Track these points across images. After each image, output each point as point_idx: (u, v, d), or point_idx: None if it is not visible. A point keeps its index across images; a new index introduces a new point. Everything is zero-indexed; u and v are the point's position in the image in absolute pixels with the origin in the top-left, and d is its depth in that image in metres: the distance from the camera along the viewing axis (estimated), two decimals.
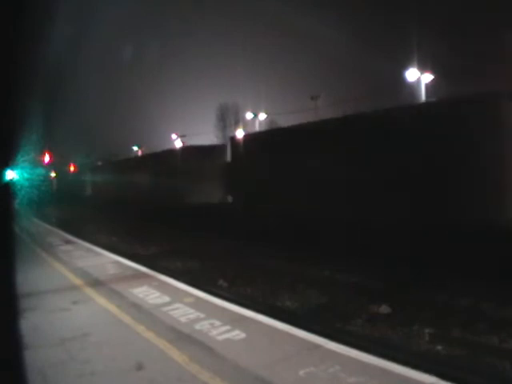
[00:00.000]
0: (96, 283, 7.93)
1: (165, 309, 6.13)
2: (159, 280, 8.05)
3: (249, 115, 42.74)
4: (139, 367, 4.26)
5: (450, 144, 10.18)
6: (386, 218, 10.92)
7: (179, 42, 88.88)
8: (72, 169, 52.96)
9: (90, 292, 7.32)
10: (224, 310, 6.06)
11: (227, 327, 5.24)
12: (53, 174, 50.74)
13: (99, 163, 48.96)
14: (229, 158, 20.57)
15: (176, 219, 19.22)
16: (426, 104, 13.94)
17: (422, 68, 25.66)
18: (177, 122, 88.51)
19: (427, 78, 25.66)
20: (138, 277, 8.40)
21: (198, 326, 5.33)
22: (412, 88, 26.05)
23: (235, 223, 15.77)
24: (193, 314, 5.83)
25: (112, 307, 6.33)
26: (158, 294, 6.98)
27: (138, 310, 6.18)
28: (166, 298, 6.66)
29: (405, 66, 26.20)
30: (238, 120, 47.87)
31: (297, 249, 11.87)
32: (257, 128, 40.64)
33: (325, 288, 8.77)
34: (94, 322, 5.75)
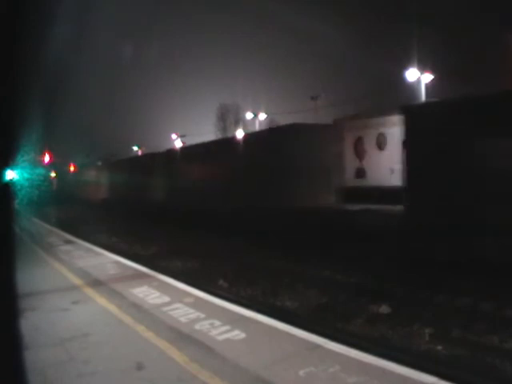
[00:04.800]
0: (96, 283, 7.93)
1: (165, 309, 6.13)
2: (159, 280, 8.05)
3: (249, 115, 42.79)
4: (139, 367, 4.26)
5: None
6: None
7: (179, 42, 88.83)
8: (72, 169, 52.95)
9: (90, 292, 7.32)
10: (224, 309, 6.06)
11: (227, 327, 5.24)
12: (53, 174, 50.71)
13: (99, 163, 48.89)
14: None
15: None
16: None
17: (422, 68, 25.66)
18: (177, 122, 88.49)
19: (427, 77, 25.65)
20: (138, 277, 8.40)
21: (197, 326, 5.33)
22: (412, 88, 26.04)
23: None
24: (193, 313, 5.83)
25: (112, 307, 6.33)
26: (158, 293, 6.98)
27: (138, 309, 6.18)
28: (166, 298, 6.66)
29: (405, 66, 26.21)
30: (238, 120, 47.90)
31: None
32: (257, 128, 40.66)
33: (325, 288, 8.77)
34: (94, 322, 5.76)
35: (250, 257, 12.10)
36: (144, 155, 35.18)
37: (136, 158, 35.33)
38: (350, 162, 16.20)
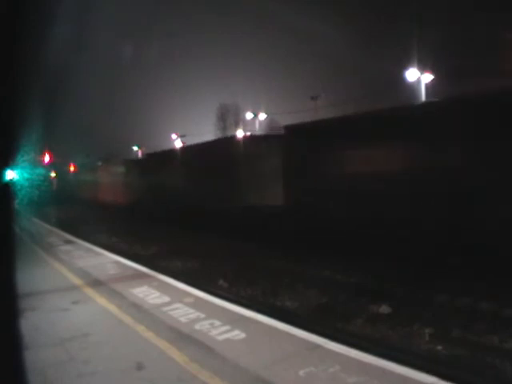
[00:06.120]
0: (96, 283, 7.93)
1: (165, 309, 6.14)
2: (159, 280, 8.05)
3: (249, 115, 42.82)
4: (139, 367, 4.27)
5: None
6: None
7: (179, 42, 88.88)
8: (72, 169, 52.95)
9: (90, 292, 7.32)
10: (224, 309, 6.06)
11: (227, 327, 5.25)
12: (53, 174, 50.72)
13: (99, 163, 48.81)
14: None
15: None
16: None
17: (422, 68, 25.68)
18: (177, 122, 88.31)
19: (427, 77, 25.68)
20: (138, 277, 8.41)
21: (197, 326, 5.33)
22: (412, 88, 26.06)
23: None
24: (193, 313, 5.84)
25: (112, 307, 6.33)
26: (158, 293, 6.98)
27: (138, 309, 6.18)
28: (166, 298, 6.67)
29: (405, 66, 26.24)
30: (238, 120, 47.89)
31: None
32: (257, 128, 40.70)
33: (325, 288, 8.78)
34: (94, 322, 5.76)
35: None
36: (225, 139, 23.07)
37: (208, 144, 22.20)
38: None
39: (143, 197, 25.04)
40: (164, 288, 7.37)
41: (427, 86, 25.74)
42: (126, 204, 26.95)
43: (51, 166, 44.68)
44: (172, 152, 27.74)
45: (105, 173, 36.70)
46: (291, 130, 14.67)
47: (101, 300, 6.76)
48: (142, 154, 49.11)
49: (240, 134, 31.25)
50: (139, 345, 4.87)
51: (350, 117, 13.08)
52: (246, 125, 44.88)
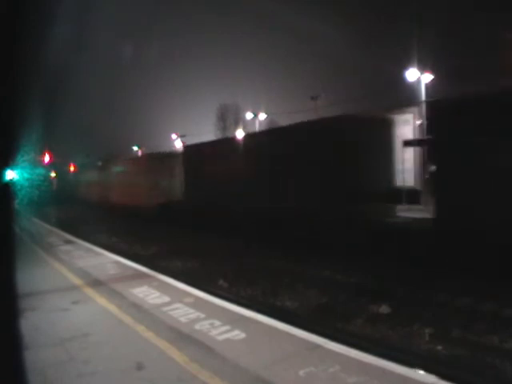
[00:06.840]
0: (96, 283, 7.93)
1: (165, 309, 6.13)
2: (159, 280, 8.05)
3: (249, 115, 42.78)
4: (139, 367, 4.26)
5: None
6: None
7: (179, 42, 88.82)
8: (72, 169, 52.93)
9: (90, 292, 7.32)
10: (224, 309, 6.06)
11: (227, 327, 5.25)
12: (53, 174, 50.70)
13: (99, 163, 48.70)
14: None
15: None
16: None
17: (422, 68, 25.66)
18: (177, 122, 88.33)
19: (427, 77, 25.66)
20: (138, 277, 8.40)
21: (197, 326, 5.33)
22: (412, 88, 26.04)
23: None
24: (193, 313, 5.83)
25: (112, 307, 6.33)
26: (158, 293, 6.98)
27: (138, 310, 6.18)
28: (166, 298, 6.66)
29: (405, 66, 26.22)
30: (238, 120, 47.89)
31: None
32: (257, 128, 40.66)
33: (325, 288, 8.78)
34: (94, 322, 5.76)
35: None
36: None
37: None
38: None
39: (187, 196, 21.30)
40: (164, 288, 7.36)
41: (427, 86, 25.71)
42: (153, 206, 22.91)
43: (51, 165, 44.65)
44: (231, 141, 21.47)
45: (111, 171, 33.75)
46: (443, 105, 10.14)
47: (101, 300, 6.76)
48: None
49: (240, 133, 31.18)
50: (139, 345, 4.87)
51: None
52: (246, 125, 44.89)
